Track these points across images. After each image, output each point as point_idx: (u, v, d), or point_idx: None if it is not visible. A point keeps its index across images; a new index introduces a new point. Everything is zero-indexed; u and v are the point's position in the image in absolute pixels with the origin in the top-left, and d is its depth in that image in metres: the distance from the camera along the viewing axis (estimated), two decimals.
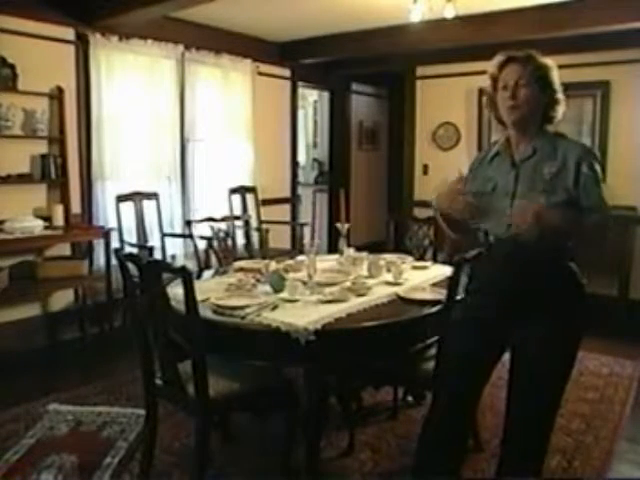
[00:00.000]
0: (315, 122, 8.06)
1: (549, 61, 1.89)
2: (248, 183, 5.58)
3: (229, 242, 3.55)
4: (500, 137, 2.02)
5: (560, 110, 1.91)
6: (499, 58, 1.91)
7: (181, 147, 5.07)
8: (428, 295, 2.50)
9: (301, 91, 6.60)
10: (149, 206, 4.65)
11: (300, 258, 3.16)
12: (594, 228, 1.81)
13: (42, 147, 4.13)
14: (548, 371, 1.89)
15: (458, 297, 2.32)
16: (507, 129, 1.95)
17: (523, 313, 1.88)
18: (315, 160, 8.08)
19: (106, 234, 4.21)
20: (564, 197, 1.80)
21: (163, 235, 4.75)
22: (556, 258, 1.86)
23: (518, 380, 1.96)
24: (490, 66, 1.93)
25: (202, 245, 4.21)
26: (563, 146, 1.85)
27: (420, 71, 6.19)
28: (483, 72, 2.05)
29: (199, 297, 2.13)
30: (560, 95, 1.90)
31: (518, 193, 1.86)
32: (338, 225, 3.23)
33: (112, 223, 4.41)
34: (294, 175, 6.49)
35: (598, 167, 1.82)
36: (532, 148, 1.88)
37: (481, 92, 5.24)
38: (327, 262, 3.12)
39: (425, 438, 2.10)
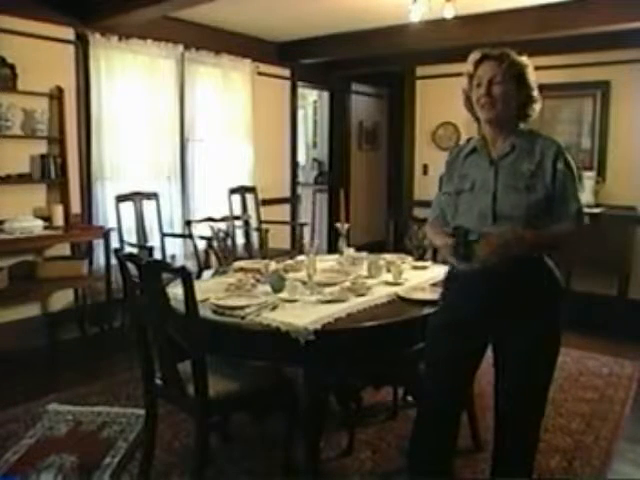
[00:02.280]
0: (315, 122, 8.06)
1: (524, 59, 1.90)
2: (248, 183, 5.59)
3: (229, 242, 3.54)
4: (475, 135, 2.02)
5: (537, 108, 1.93)
6: (474, 56, 1.92)
7: (181, 147, 5.07)
8: (428, 295, 2.50)
9: (301, 91, 6.60)
10: (149, 206, 4.65)
11: (300, 258, 3.16)
12: (569, 234, 1.85)
13: (42, 147, 4.13)
14: (531, 369, 1.89)
15: (436, 297, 2.31)
16: (482, 127, 1.96)
17: (503, 312, 1.88)
18: (315, 160, 8.08)
19: (106, 234, 4.21)
20: (543, 194, 1.82)
21: (163, 235, 4.75)
22: (535, 256, 1.87)
23: (502, 379, 1.96)
24: (466, 64, 1.94)
25: (202, 245, 4.21)
26: (540, 143, 1.87)
27: (420, 71, 6.20)
28: None
29: (199, 297, 2.12)
30: (536, 93, 1.91)
31: (499, 190, 1.86)
32: (338, 225, 3.23)
33: (112, 223, 4.41)
34: (294, 175, 6.49)
35: (573, 164, 1.85)
36: (510, 145, 1.89)
37: None
38: (327, 262, 3.12)
39: (415, 440, 2.11)
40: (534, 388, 1.92)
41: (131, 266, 2.19)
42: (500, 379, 1.97)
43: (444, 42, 4.85)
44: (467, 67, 1.94)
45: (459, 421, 2.07)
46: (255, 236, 4.98)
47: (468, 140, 2.06)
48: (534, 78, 1.91)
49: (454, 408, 2.05)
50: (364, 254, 3.16)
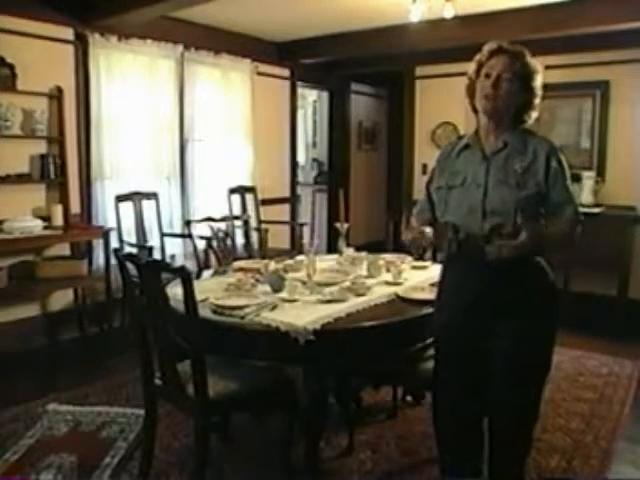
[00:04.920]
0: (314, 122, 8.06)
1: (538, 64, 1.91)
2: (247, 183, 5.58)
3: (228, 242, 3.54)
4: (468, 131, 2.02)
5: (533, 116, 1.95)
6: (491, 45, 1.92)
7: (180, 147, 5.07)
8: (427, 295, 2.50)
9: (300, 91, 6.59)
10: (148, 206, 4.64)
11: (299, 258, 3.15)
12: (566, 236, 1.87)
13: (41, 147, 4.13)
14: (522, 368, 1.89)
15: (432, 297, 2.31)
16: (479, 119, 1.96)
17: (495, 311, 1.88)
18: (314, 160, 8.09)
19: (105, 234, 4.21)
20: (534, 191, 1.83)
21: (162, 235, 4.75)
22: (527, 255, 1.86)
23: (493, 379, 1.94)
24: (480, 52, 1.94)
25: (201, 245, 4.20)
26: (533, 142, 1.89)
27: (419, 71, 6.19)
28: None
29: (198, 297, 2.12)
30: (537, 101, 1.92)
31: (490, 185, 1.87)
32: (337, 225, 3.23)
33: (111, 223, 4.41)
34: (293, 175, 6.49)
35: (565, 162, 1.87)
36: (503, 142, 1.90)
37: None
38: (326, 262, 3.12)
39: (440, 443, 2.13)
40: (523, 386, 1.91)
41: (131, 266, 2.19)
42: (492, 379, 1.96)
43: (444, 42, 4.85)
44: (479, 55, 1.93)
45: (478, 424, 2.06)
46: (255, 236, 4.98)
47: (459, 138, 2.08)
48: (540, 85, 1.91)
49: (469, 411, 2.03)
50: (364, 254, 3.17)
